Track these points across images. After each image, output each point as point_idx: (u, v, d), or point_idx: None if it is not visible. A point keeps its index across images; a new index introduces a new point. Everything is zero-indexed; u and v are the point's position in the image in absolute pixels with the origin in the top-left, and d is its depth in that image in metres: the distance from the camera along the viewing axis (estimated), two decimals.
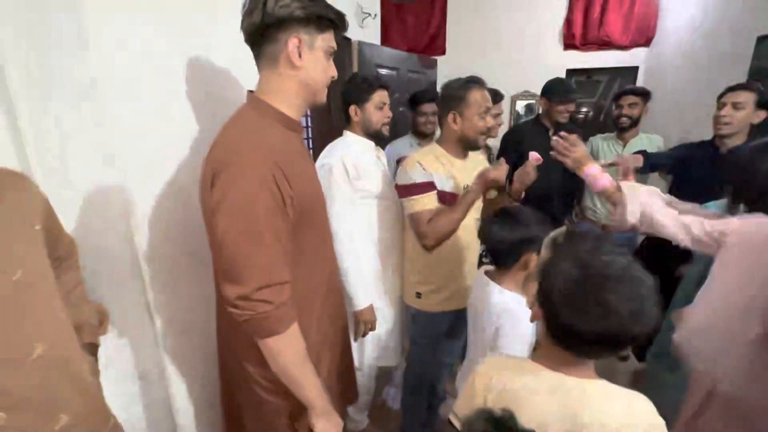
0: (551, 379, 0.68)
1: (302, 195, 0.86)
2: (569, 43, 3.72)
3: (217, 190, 0.77)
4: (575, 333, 0.62)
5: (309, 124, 2.73)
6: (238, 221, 0.76)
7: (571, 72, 3.87)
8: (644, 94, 2.10)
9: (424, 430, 1.69)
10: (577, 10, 3.59)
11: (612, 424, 0.62)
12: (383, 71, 2.87)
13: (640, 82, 3.69)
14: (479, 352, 1.16)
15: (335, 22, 0.88)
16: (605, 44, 3.62)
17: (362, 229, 1.58)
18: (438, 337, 1.53)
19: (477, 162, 1.55)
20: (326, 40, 0.88)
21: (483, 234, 1.13)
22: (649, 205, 1.07)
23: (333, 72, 0.93)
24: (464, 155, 1.47)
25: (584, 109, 4.09)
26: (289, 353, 0.83)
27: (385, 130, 1.57)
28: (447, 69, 3.82)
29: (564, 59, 3.81)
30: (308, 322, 0.95)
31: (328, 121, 2.57)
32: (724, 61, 2.49)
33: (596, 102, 4.03)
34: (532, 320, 0.73)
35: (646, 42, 3.52)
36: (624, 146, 2.18)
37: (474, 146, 1.44)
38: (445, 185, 1.38)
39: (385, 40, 3.70)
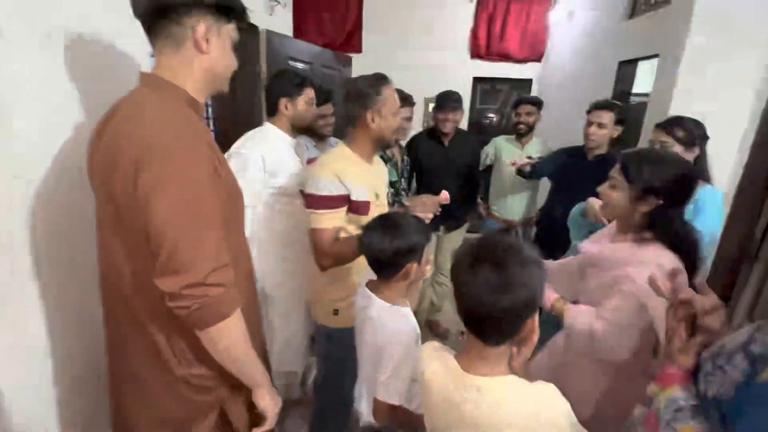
0: (462, 378, 0.73)
1: (226, 180, 0.86)
2: (475, 53, 4.01)
3: (149, 178, 0.71)
4: (464, 306, 0.69)
5: (210, 114, 2.52)
6: (181, 206, 0.72)
7: (477, 80, 4.18)
8: (538, 104, 2.36)
9: None
10: (482, 22, 3.88)
11: (514, 419, 0.68)
12: (297, 65, 2.78)
13: (534, 92, 4.14)
14: (365, 372, 1.10)
15: (239, 13, 0.87)
16: (505, 56, 3.98)
17: (275, 227, 1.53)
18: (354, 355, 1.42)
19: (381, 167, 1.47)
20: (231, 29, 0.87)
21: (362, 244, 1.02)
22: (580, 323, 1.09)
23: (235, 63, 0.92)
24: (372, 158, 1.38)
25: (490, 115, 4.47)
26: (238, 334, 0.81)
27: (327, 131, 1.61)
28: (363, 68, 3.84)
29: (471, 67, 4.10)
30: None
31: (232, 110, 2.40)
32: (593, 81, 2.90)
33: (499, 108, 4.43)
34: (463, 333, 0.75)
35: (538, 58, 3.96)
36: (522, 148, 2.41)
37: (389, 146, 1.41)
38: (360, 194, 1.27)
39: (300, 33, 3.60)
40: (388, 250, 0.98)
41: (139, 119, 0.77)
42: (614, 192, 1.05)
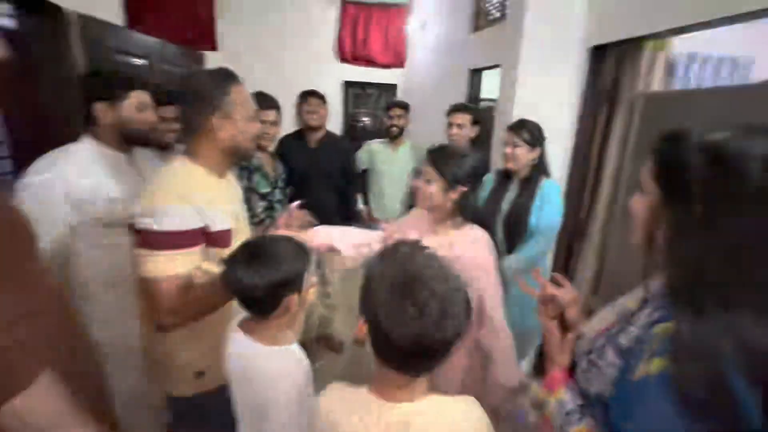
0: (381, 410, 0.66)
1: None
2: (342, 57, 4.01)
3: None
4: (394, 341, 0.59)
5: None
6: None
7: (348, 84, 4.19)
8: (406, 107, 2.44)
9: None
10: (347, 26, 3.90)
11: None
12: (132, 60, 2.30)
13: (399, 96, 4.35)
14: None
15: None
16: (371, 62, 4.08)
17: (96, 266, 1.21)
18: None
19: (234, 181, 1.20)
20: None
21: (225, 280, 0.84)
22: None
23: None
24: (225, 173, 1.10)
25: (364, 119, 4.54)
26: (44, 406, 0.62)
27: (169, 138, 1.36)
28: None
29: (341, 71, 4.09)
30: None
31: (34, 121, 1.81)
32: (450, 86, 3.16)
33: (372, 112, 4.53)
34: (358, 342, 0.66)
35: (401, 63, 4.17)
36: (396, 150, 2.46)
37: (246, 157, 1.12)
38: (219, 222, 0.99)
39: (138, 22, 3.02)
40: (260, 285, 0.80)
41: None
42: (429, 186, 1.16)
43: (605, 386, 0.58)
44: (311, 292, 0.92)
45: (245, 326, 0.89)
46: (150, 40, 2.54)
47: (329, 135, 2.27)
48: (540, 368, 1.97)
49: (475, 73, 2.86)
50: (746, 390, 0.43)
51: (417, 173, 1.24)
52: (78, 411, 0.67)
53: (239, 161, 1.15)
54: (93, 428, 0.69)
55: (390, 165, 2.45)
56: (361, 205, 2.57)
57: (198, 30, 3.45)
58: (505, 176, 1.72)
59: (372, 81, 4.24)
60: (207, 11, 3.45)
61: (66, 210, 1.17)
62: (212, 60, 3.42)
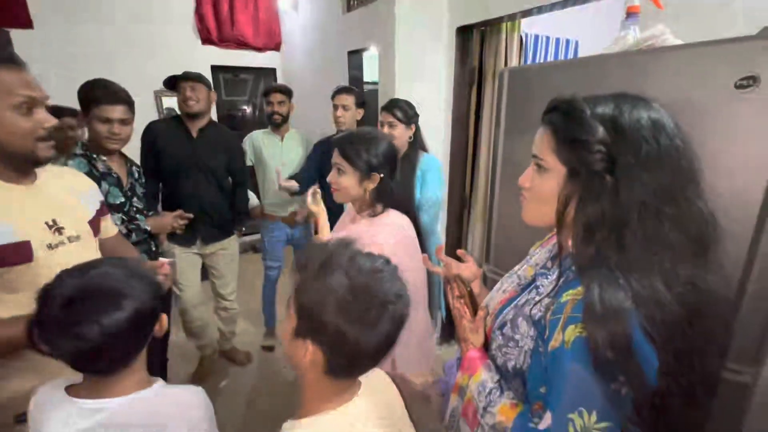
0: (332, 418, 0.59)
1: None
2: (206, 38, 3.56)
3: None
4: (363, 348, 0.55)
5: None
6: None
7: (216, 68, 3.75)
8: (287, 92, 2.25)
9: None
10: (206, 5, 3.45)
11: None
12: None
13: (279, 81, 4.09)
14: None
15: None
16: (243, 44, 3.72)
17: None
18: None
19: (61, 181, 1.00)
20: None
21: (39, 340, 0.64)
22: None
23: None
24: (24, 176, 0.89)
25: (242, 107, 4.15)
26: None
27: (40, 147, 0.90)
28: (35, 50, 2.75)
29: (205, 55, 3.63)
30: None
31: None
32: (330, 69, 3.07)
33: (249, 100, 4.16)
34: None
35: (276, 47, 3.90)
36: (282, 139, 2.27)
37: (33, 160, 0.87)
38: None
39: None
40: (92, 338, 0.60)
41: None
42: (343, 177, 1.10)
43: (523, 358, 0.59)
44: (165, 325, 0.74)
45: (82, 390, 0.67)
46: None
47: (213, 124, 1.98)
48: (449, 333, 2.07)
49: (354, 55, 2.82)
50: (648, 347, 0.46)
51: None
52: None
53: (29, 164, 0.87)
54: None
55: (277, 156, 2.27)
56: (254, 201, 2.34)
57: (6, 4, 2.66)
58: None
59: (247, 66, 3.88)
60: None
61: None
62: (25, 42, 2.69)
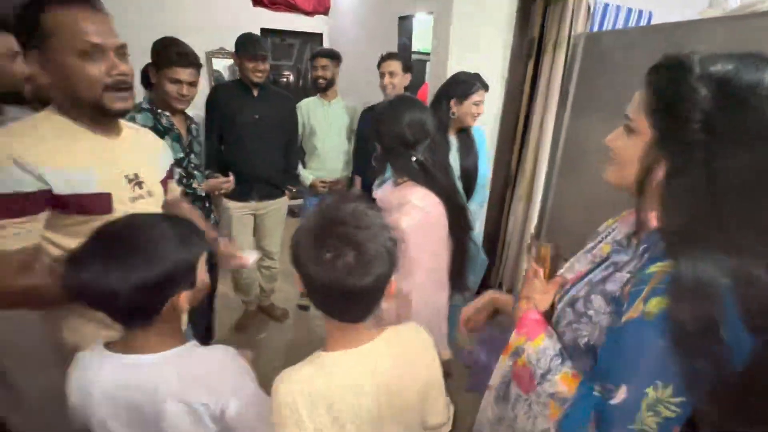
0: (350, 357, 0.67)
1: None
2: (258, 0, 3.56)
3: None
4: (319, 288, 0.62)
5: None
6: None
7: (265, 32, 3.76)
8: (333, 57, 2.23)
9: None
10: None
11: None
12: None
13: (326, 46, 4.05)
14: None
15: None
16: (292, 7, 3.68)
17: None
18: None
19: (141, 137, 1.02)
20: None
21: (69, 287, 0.63)
22: None
23: None
24: (110, 129, 0.90)
25: (285, 73, 4.16)
26: None
27: (109, 98, 0.96)
28: (118, 11, 2.85)
29: (256, 17, 3.64)
30: None
31: None
32: (378, 36, 3.00)
33: (294, 65, 4.16)
34: (302, 307, 0.60)
35: (326, 11, 3.84)
36: (329, 104, 2.27)
37: (102, 111, 0.84)
38: (76, 183, 0.81)
39: None
40: (126, 289, 0.60)
41: None
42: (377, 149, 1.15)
43: (597, 334, 0.58)
44: (206, 282, 0.74)
45: (119, 346, 0.70)
46: None
47: (272, 87, 2.04)
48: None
49: (404, 21, 2.74)
50: (740, 329, 0.43)
51: None
52: None
53: (98, 114, 0.85)
54: None
55: (325, 122, 2.27)
56: (303, 173, 2.36)
57: None
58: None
59: (295, 30, 3.86)
60: None
61: None
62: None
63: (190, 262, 0.68)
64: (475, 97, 1.58)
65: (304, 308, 2.54)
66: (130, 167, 0.92)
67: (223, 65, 3.61)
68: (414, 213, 1.04)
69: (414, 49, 3.11)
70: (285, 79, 4.16)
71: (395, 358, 0.69)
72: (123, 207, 0.88)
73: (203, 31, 3.27)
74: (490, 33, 1.98)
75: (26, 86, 1.16)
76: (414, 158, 1.07)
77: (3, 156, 0.73)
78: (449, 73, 1.73)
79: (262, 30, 3.71)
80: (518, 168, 2.23)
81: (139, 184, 0.93)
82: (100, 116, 0.85)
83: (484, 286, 2.13)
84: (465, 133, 1.64)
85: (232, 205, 2.00)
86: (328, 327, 0.69)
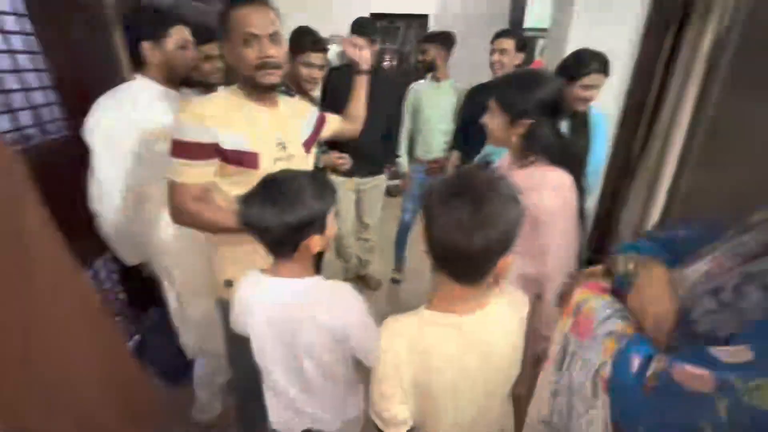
0: (450, 321, 0.71)
1: None
2: None
3: None
4: (446, 244, 0.65)
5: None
6: None
7: (375, 16, 3.90)
8: (443, 41, 2.23)
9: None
10: None
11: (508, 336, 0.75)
12: None
13: (430, 27, 4.04)
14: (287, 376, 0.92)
15: None
16: None
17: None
18: None
19: (295, 110, 1.22)
20: None
21: (242, 219, 0.82)
22: None
23: None
24: (270, 102, 1.12)
25: (388, 56, 4.27)
26: None
27: (215, 78, 1.25)
28: None
29: (368, 2, 3.79)
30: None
31: (73, 63, 1.68)
32: (487, 14, 2.90)
33: (398, 48, 4.24)
34: (395, 281, 0.70)
35: None
36: (438, 87, 2.29)
37: (254, 84, 1.05)
38: (237, 143, 1.04)
39: None
40: (276, 226, 0.77)
41: None
42: (492, 119, 1.08)
43: (738, 325, 0.54)
44: (333, 231, 0.89)
45: (270, 271, 0.88)
46: None
47: (383, 70, 2.16)
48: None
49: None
50: None
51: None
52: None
53: (258, 90, 1.07)
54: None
55: (432, 103, 2.31)
56: (401, 159, 2.44)
57: None
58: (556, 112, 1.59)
59: (402, 12, 3.92)
60: None
61: (134, 145, 1.22)
62: None
63: (323, 212, 0.82)
64: (585, 80, 1.45)
65: (396, 282, 2.69)
66: (278, 134, 1.12)
67: (332, 52, 3.86)
68: (555, 199, 0.99)
69: (526, 24, 2.94)
70: (388, 63, 4.28)
71: (493, 326, 0.73)
72: (268, 165, 1.08)
73: (320, 19, 3.52)
74: (617, 6, 1.79)
75: (194, 72, 1.41)
76: (555, 130, 1.04)
77: (193, 116, 1.00)
78: (569, 50, 1.61)
79: (372, 15, 3.86)
80: (640, 157, 2.00)
81: (284, 148, 1.12)
82: (257, 90, 1.07)
83: None
84: (578, 118, 1.53)
85: (338, 179, 2.17)
86: (438, 285, 0.73)
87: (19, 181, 0.64)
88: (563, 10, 1.86)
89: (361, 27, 1.96)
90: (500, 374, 0.77)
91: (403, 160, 2.41)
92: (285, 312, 0.85)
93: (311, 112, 1.28)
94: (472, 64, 2.70)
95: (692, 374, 0.49)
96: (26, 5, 1.39)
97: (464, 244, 0.63)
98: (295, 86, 1.70)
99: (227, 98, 1.07)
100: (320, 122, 1.31)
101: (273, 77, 1.04)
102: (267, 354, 0.89)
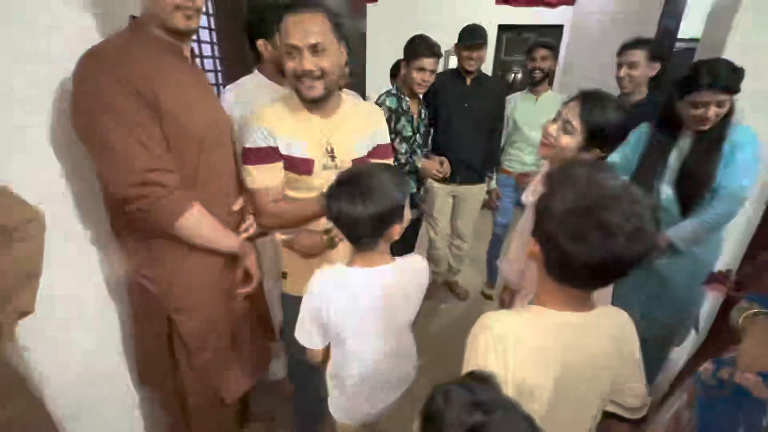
0: (561, 319, 0.68)
1: (180, 119, 0.90)
2: None
3: (74, 105, 0.84)
4: (577, 262, 0.60)
5: (217, 53, 2.30)
6: (97, 123, 0.82)
7: (502, 28, 3.87)
8: (552, 48, 2.14)
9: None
10: None
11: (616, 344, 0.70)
12: None
13: (565, 39, 3.81)
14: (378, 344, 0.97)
15: None
16: (537, 1, 3.63)
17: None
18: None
19: (347, 118, 1.15)
20: None
21: (329, 213, 0.86)
22: None
23: None
24: (324, 110, 1.10)
25: (514, 69, 4.15)
26: (200, 226, 0.96)
27: (304, 88, 1.26)
28: (379, 17, 3.61)
29: (496, 14, 3.78)
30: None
31: (241, 53, 2.11)
32: (633, 21, 2.61)
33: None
34: (485, 295, 0.73)
35: (571, 1, 3.59)
36: (536, 99, 2.22)
37: (304, 98, 1.05)
38: (295, 149, 1.07)
39: None
40: (365, 219, 0.81)
41: (91, 50, 0.85)
42: (565, 135, 1.00)
43: None
44: (407, 217, 0.93)
45: (355, 262, 0.92)
46: None
47: (483, 74, 2.16)
48: (705, 352, 1.65)
49: (670, 2, 2.29)
50: None
51: (557, 116, 1.04)
52: (225, 229, 1.03)
53: (311, 101, 1.06)
54: (236, 240, 1.06)
55: (529, 116, 2.21)
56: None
57: None
58: (669, 125, 1.36)
59: (531, 24, 3.79)
60: None
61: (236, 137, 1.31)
62: (372, 10, 3.58)
63: (403, 201, 0.87)
64: (695, 96, 1.20)
65: (487, 297, 2.62)
66: (328, 142, 1.10)
67: (455, 62, 3.94)
68: None
69: (681, 36, 2.55)
70: (513, 75, 4.16)
71: (602, 331, 0.69)
72: (318, 171, 1.09)
73: (446, 30, 3.65)
74: None
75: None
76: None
77: (260, 123, 1.04)
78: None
79: (500, 26, 3.83)
80: None
81: (332, 157, 1.11)
82: (305, 101, 1.05)
83: (715, 333, 1.65)
84: (703, 138, 1.28)
85: (435, 184, 2.22)
86: (545, 284, 0.69)
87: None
88: (719, 17, 1.59)
89: (470, 36, 1.96)
90: (602, 384, 0.71)
91: (492, 175, 2.37)
92: (387, 299, 0.92)
93: (374, 134, 1.20)
94: (602, 79, 2.48)
95: None
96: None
97: (615, 261, 0.59)
98: (406, 88, 1.82)
99: (285, 104, 1.09)
100: (379, 152, 1.21)
101: (314, 90, 1.01)
102: (360, 339, 0.94)
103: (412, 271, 0.98)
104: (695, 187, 1.30)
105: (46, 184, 0.91)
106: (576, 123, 0.98)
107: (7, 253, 0.68)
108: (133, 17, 0.92)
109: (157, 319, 1.03)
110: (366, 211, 0.81)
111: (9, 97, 0.82)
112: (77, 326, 1.02)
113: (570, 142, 0.99)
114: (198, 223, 0.95)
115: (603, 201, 0.58)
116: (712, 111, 1.20)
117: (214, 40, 2.21)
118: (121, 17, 0.95)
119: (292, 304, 1.14)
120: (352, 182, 0.84)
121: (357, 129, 1.15)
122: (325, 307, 0.90)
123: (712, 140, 1.27)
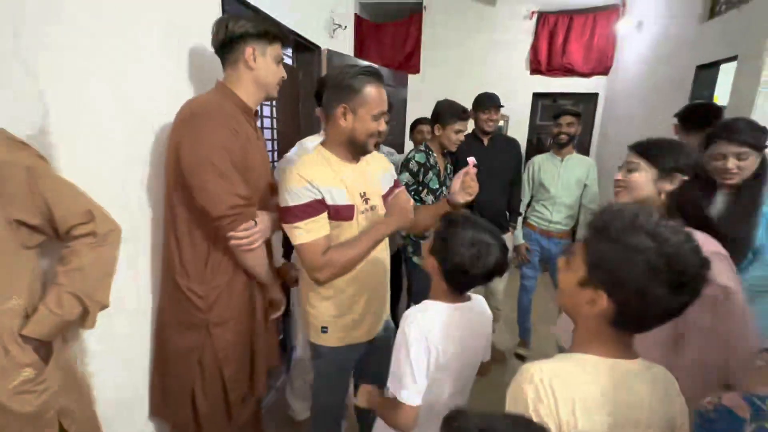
0: (617, 369, 0.65)
1: (246, 164, 1.11)
2: (535, 69, 3.92)
3: (183, 141, 1.04)
4: (659, 309, 0.60)
5: (274, 114, 2.64)
6: (204, 161, 1.02)
7: (537, 96, 4.07)
8: (578, 115, 2.31)
9: None
10: (542, 38, 3.81)
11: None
12: None
13: (600, 107, 3.92)
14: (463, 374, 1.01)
15: (280, 36, 1.17)
16: (568, 71, 3.84)
17: None
18: (344, 373, 1.33)
19: (375, 163, 1.28)
20: (275, 49, 1.16)
21: (441, 255, 0.91)
22: None
23: (282, 74, 1.20)
24: (355, 159, 1.19)
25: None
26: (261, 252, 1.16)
27: (371, 143, 1.20)
28: (419, 87, 3.96)
29: (530, 83, 4.01)
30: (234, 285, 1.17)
31: (294, 120, 2.60)
32: (667, 90, 2.69)
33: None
34: (518, 356, 0.69)
35: (605, 71, 3.76)
36: (561, 161, 2.34)
37: (364, 150, 1.16)
38: (338, 198, 1.11)
39: (361, 53, 3.83)
40: (499, 258, 0.90)
41: (189, 106, 1.10)
42: (635, 174, 1.01)
43: None
44: None
45: (449, 299, 0.97)
46: (369, 64, 3.19)
47: (501, 134, 2.35)
48: None
49: (704, 71, 2.36)
50: None
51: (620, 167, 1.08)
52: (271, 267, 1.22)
53: (358, 153, 1.17)
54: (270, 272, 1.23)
55: (555, 177, 2.32)
56: (518, 240, 2.46)
57: (405, 57, 4.09)
58: (705, 181, 1.35)
59: (566, 91, 3.98)
60: (413, 44, 4.07)
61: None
62: (413, 81, 3.95)
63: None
64: (711, 148, 1.24)
65: (521, 358, 2.50)
66: (363, 187, 1.18)
67: None
68: (725, 263, 0.90)
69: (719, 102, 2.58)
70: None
71: (646, 386, 0.66)
72: (357, 215, 1.15)
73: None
74: None
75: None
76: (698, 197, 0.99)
77: (303, 179, 1.07)
78: None
79: (535, 94, 4.04)
80: None
81: (367, 200, 1.19)
82: (356, 152, 1.16)
83: None
84: (738, 194, 1.27)
85: None
86: (599, 333, 0.66)
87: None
88: (742, 86, 1.65)
89: (489, 99, 2.19)
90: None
91: (518, 233, 2.43)
92: (474, 334, 1.00)
93: (388, 171, 1.34)
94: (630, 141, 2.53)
95: None
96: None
97: (672, 308, 0.60)
98: (435, 146, 2.00)
99: (318, 157, 1.15)
100: (397, 184, 1.36)
101: (373, 146, 1.18)
102: (448, 370, 0.97)
103: (482, 311, 1.05)
104: (732, 248, 1.26)
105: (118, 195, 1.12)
106: (636, 158, 1.02)
107: (98, 252, 0.89)
108: (220, 82, 1.17)
109: (195, 331, 1.14)
110: (453, 260, 0.91)
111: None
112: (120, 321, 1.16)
113: (639, 177, 1.01)
114: (261, 249, 1.14)
115: (679, 244, 0.58)
116: (731, 162, 1.22)
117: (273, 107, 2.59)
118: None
119: (325, 354, 1.24)
120: (461, 223, 0.93)
121: (375, 172, 1.26)
122: (434, 348, 0.91)
123: (750, 198, 1.26)
